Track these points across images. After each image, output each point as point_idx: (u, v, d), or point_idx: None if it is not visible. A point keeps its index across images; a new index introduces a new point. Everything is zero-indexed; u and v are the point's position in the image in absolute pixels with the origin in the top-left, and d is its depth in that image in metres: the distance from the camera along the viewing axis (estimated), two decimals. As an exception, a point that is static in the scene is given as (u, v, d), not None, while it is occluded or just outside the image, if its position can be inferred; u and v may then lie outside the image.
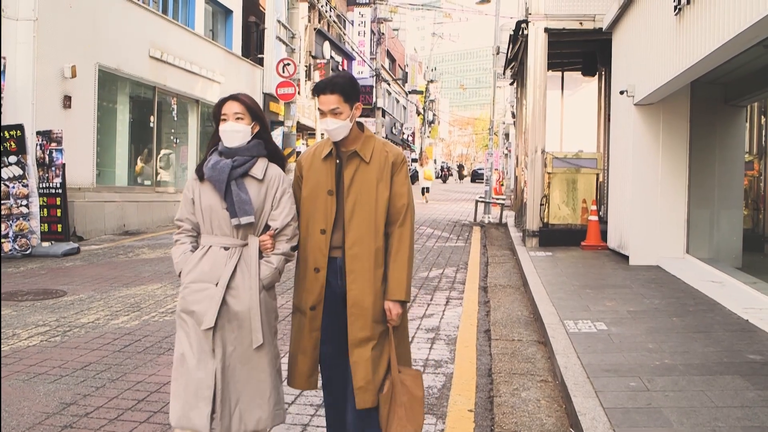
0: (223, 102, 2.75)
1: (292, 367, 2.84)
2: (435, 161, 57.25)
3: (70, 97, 11.38)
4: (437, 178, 45.25)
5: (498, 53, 19.55)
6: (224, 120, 2.72)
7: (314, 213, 2.78)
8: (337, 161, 2.80)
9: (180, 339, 2.68)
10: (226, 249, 2.67)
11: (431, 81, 60.38)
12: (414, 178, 31.93)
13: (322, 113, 2.75)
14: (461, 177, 58.07)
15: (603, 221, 10.51)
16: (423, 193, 24.42)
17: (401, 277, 2.75)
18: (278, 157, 2.84)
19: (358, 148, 2.77)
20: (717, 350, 4.58)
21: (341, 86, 2.73)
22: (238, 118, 2.71)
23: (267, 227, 2.74)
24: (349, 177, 2.76)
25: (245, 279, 2.65)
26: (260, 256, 2.71)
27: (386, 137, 39.55)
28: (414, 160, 43.51)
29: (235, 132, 2.70)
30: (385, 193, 2.75)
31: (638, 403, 3.59)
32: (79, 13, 11.67)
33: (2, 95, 9.83)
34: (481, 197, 17.50)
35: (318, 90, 2.76)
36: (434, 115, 62.69)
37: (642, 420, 3.36)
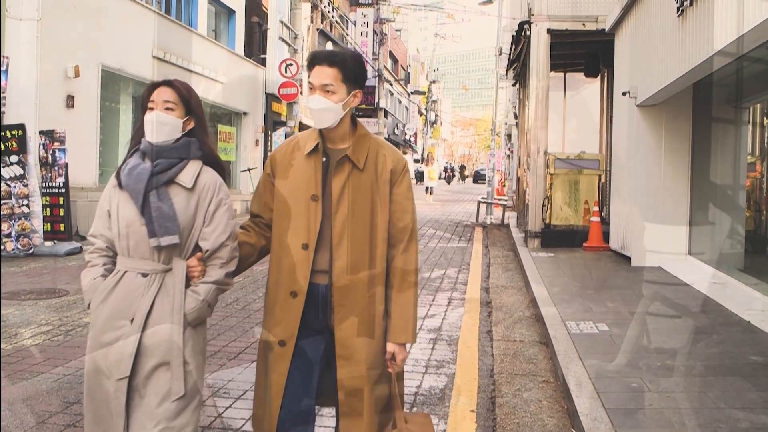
0: (153, 87, 2.20)
1: (263, 414, 2.26)
2: (437, 161, 57.40)
3: (73, 97, 11.40)
4: (441, 179, 45.37)
5: (500, 54, 19.56)
6: (151, 109, 2.18)
7: (293, 223, 2.22)
8: (324, 159, 2.25)
9: (91, 398, 2.15)
10: (145, 276, 2.13)
11: (433, 81, 60.47)
12: (419, 178, 32.03)
13: (311, 88, 2.20)
14: (463, 177, 58.23)
15: (605, 222, 10.51)
16: (426, 192, 24.43)
17: (407, 315, 2.26)
18: (215, 163, 2.27)
19: (348, 151, 2.23)
20: (719, 351, 4.58)
21: (343, 61, 2.19)
22: (167, 108, 2.17)
23: (198, 248, 2.20)
24: (338, 186, 2.20)
25: (166, 314, 2.12)
26: (188, 285, 2.19)
27: (388, 138, 39.54)
28: (416, 161, 43.58)
29: (161, 124, 2.16)
30: (383, 210, 2.23)
31: (640, 404, 3.59)
32: (83, 13, 11.69)
33: (5, 95, 9.85)
34: (483, 198, 17.52)
35: (314, 60, 2.21)
36: (436, 115, 62.71)
37: (643, 421, 3.36)
